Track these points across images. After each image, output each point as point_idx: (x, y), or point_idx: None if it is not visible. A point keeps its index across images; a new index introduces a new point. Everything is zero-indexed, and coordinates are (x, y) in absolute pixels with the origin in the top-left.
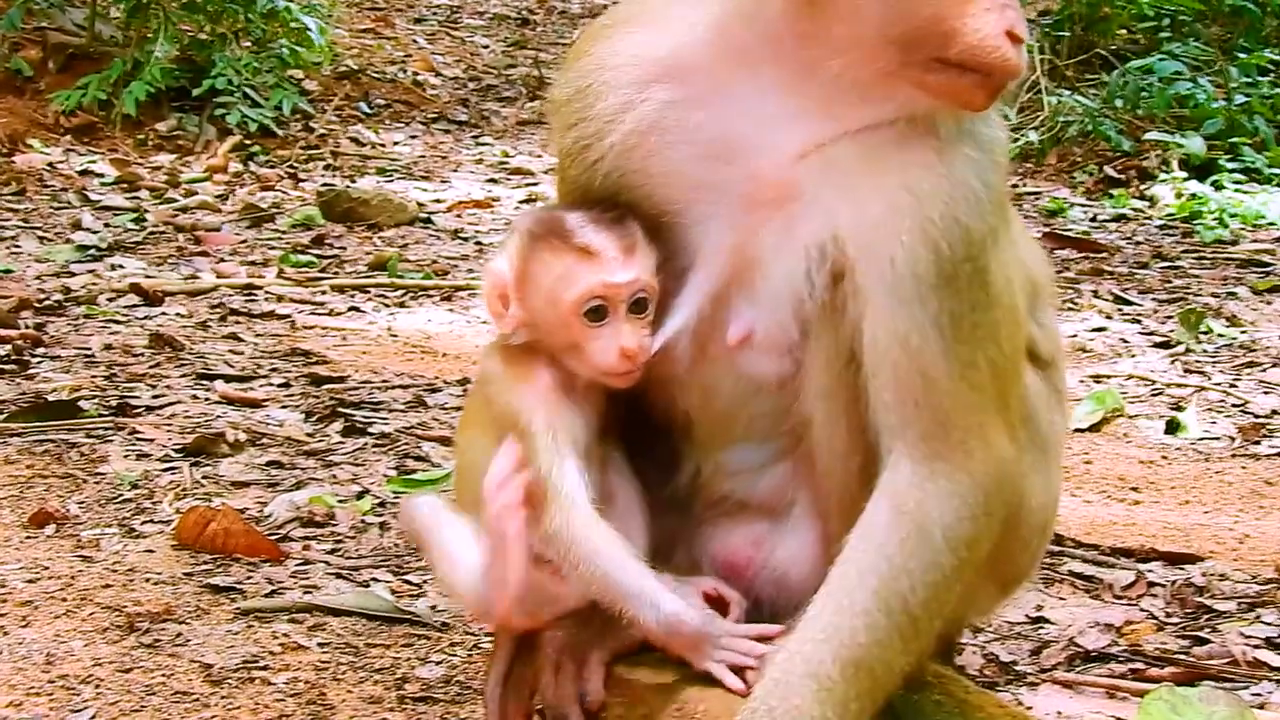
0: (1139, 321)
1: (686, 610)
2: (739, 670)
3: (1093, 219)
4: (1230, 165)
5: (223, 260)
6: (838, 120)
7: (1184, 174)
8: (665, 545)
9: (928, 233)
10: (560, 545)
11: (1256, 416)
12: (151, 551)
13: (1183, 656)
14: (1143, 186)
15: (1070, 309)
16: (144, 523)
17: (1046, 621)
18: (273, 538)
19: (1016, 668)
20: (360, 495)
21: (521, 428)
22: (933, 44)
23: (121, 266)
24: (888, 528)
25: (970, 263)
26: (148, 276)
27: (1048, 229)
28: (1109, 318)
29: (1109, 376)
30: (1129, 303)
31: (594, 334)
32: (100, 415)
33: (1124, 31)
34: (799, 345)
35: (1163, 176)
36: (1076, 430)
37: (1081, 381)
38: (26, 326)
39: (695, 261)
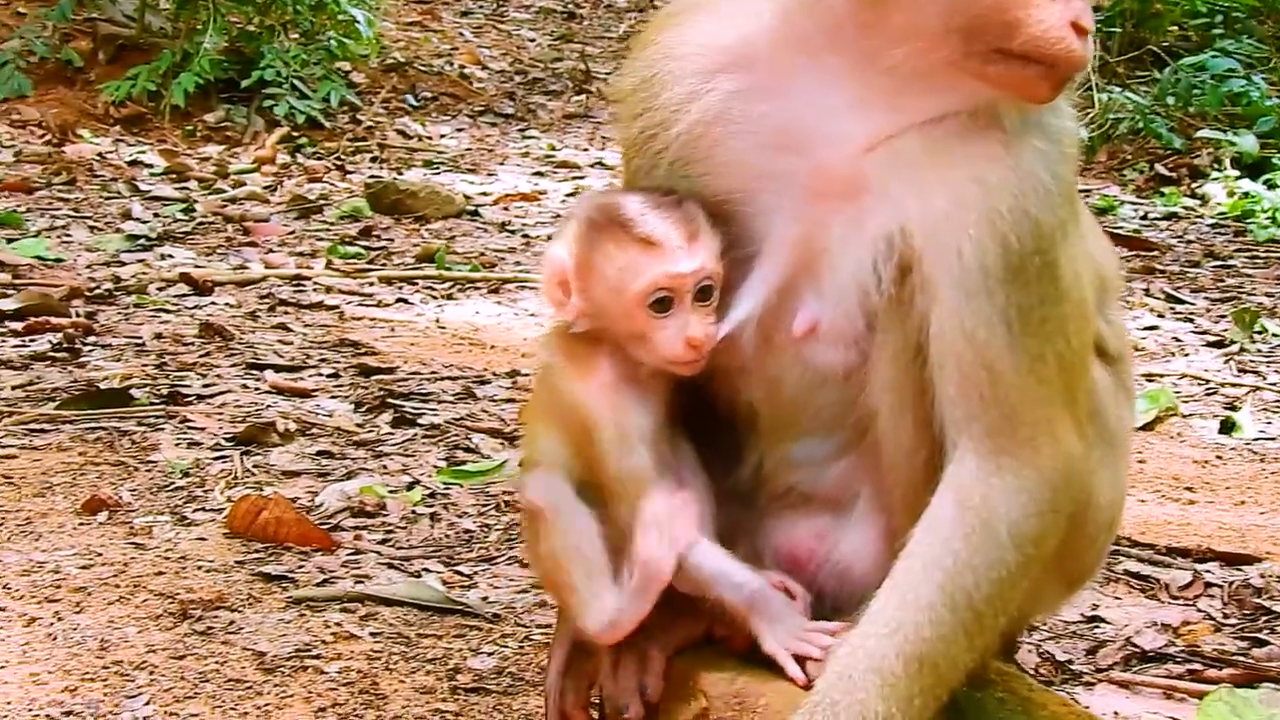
0: (1191, 320)
1: (769, 588)
2: (800, 661)
3: (1143, 217)
4: None
5: (271, 251)
6: (903, 111)
7: (1236, 172)
8: (727, 538)
9: (996, 225)
10: (640, 534)
11: None
12: (204, 539)
13: (1241, 658)
14: (1194, 185)
15: (1122, 307)
16: (196, 510)
17: (1102, 621)
18: (324, 527)
19: (1072, 667)
20: (410, 486)
21: (588, 423)
22: (995, 34)
23: (171, 256)
24: (953, 522)
25: (1039, 256)
26: (197, 266)
27: (1103, 232)
28: (1161, 316)
29: (1162, 375)
30: (1181, 301)
31: (659, 324)
32: (151, 403)
33: (1176, 28)
34: (865, 337)
35: (1214, 175)
36: None
37: (1134, 380)
38: (78, 315)
39: (760, 251)
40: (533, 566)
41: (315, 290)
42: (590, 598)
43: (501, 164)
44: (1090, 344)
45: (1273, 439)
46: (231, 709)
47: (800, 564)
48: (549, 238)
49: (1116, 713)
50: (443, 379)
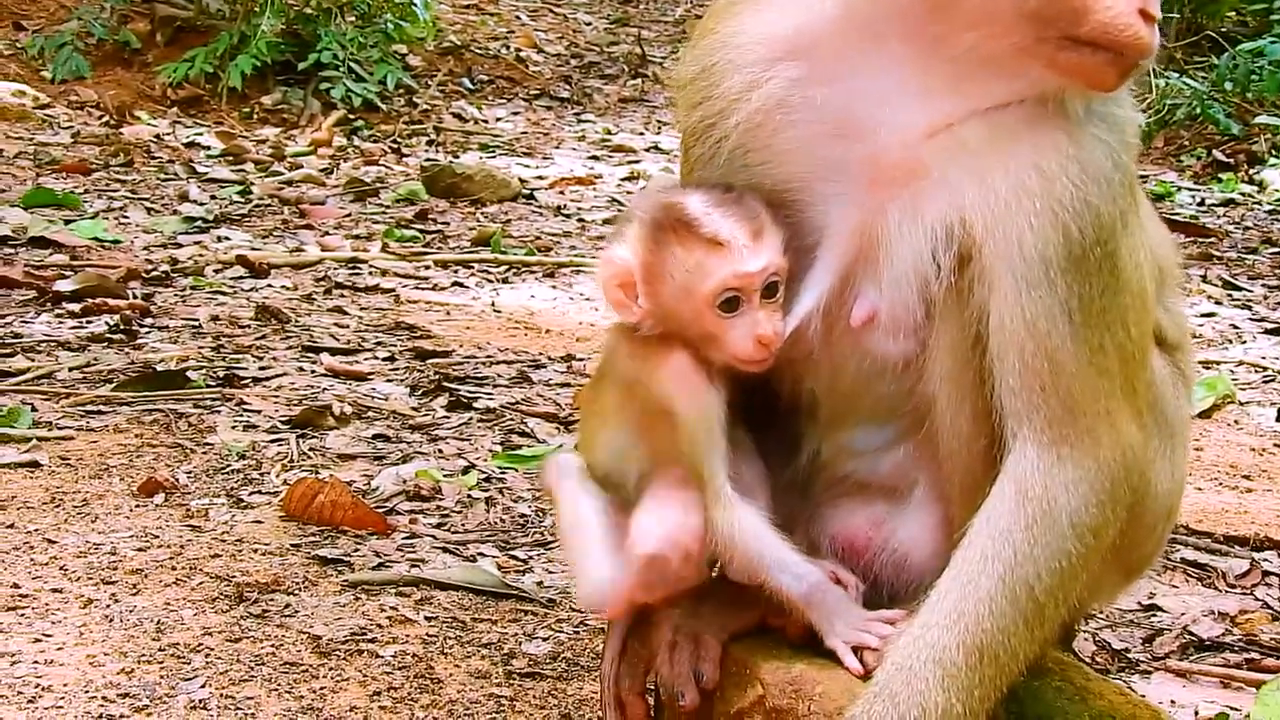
0: (1249, 307)
1: (828, 580)
2: (857, 651)
3: (1200, 203)
4: None
5: (327, 234)
6: (965, 98)
7: None
8: (784, 526)
9: (1058, 215)
10: (710, 527)
11: None
12: (260, 522)
13: None
14: (1252, 170)
15: (1180, 295)
16: (252, 493)
17: (1159, 609)
18: (379, 511)
19: (1129, 655)
20: (466, 470)
21: (671, 414)
22: (1064, 20)
23: (227, 238)
24: (1013, 513)
25: (1100, 246)
26: (253, 248)
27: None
28: (1218, 303)
29: (1219, 362)
30: (1238, 288)
31: (729, 324)
32: (208, 386)
33: (1234, 13)
34: (923, 326)
35: (1272, 161)
36: None
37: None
38: (135, 297)
39: (821, 241)
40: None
41: (371, 273)
42: (586, 569)
43: (557, 148)
44: (1150, 334)
45: None
46: (287, 692)
47: (857, 552)
48: (605, 222)
49: (1173, 701)
50: (498, 363)
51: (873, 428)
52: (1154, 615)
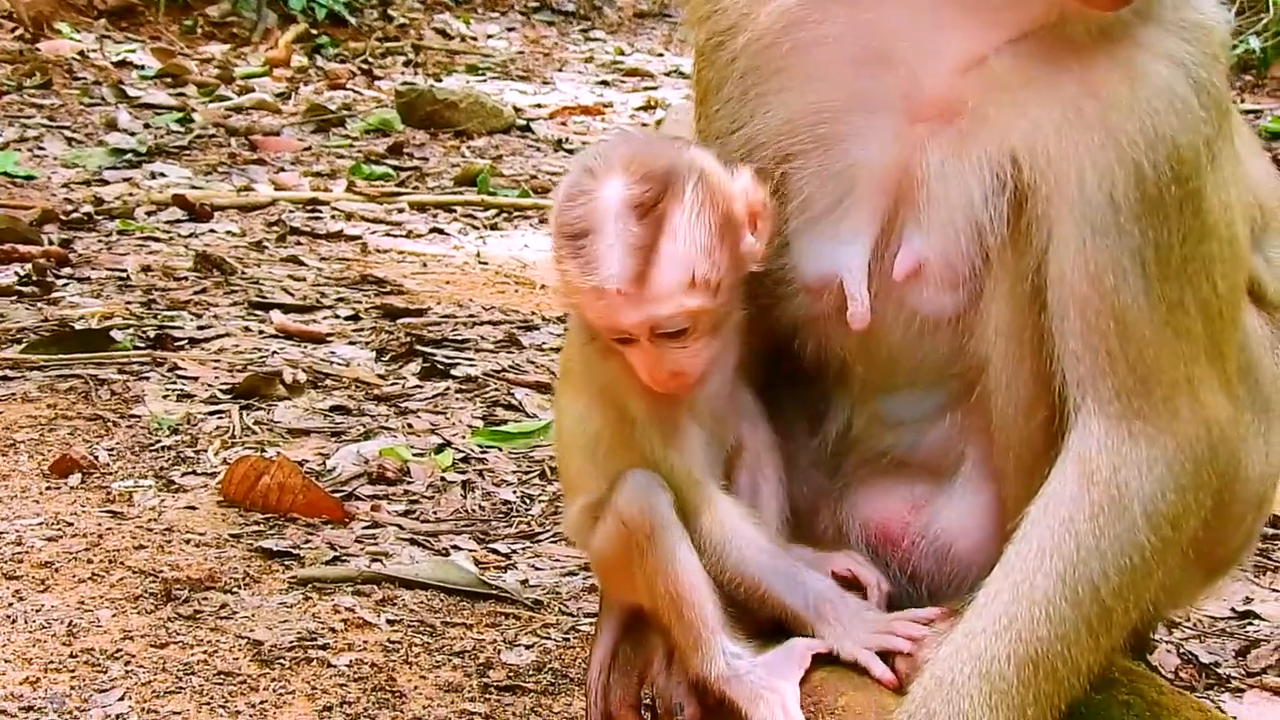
0: None
1: (835, 589)
2: (887, 658)
3: None
4: None
5: (282, 170)
6: (995, 26)
7: None
8: (807, 509)
9: (1124, 149)
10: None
11: None
12: (193, 508)
13: None
14: None
15: None
16: (185, 474)
17: (1256, 617)
18: (336, 495)
19: (1219, 670)
20: (440, 449)
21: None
22: None
23: (163, 175)
24: (1075, 500)
25: (1179, 184)
26: (194, 187)
27: (1268, 154)
28: None
29: None
30: None
31: (626, 349)
32: (135, 348)
33: None
34: (978, 278)
35: None
36: None
37: None
38: (50, 242)
39: (853, 184)
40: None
41: (333, 217)
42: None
43: (559, 70)
44: (1242, 288)
45: None
46: (221, 706)
47: (892, 540)
48: None
49: None
50: (482, 323)
51: (914, 395)
52: (1250, 624)
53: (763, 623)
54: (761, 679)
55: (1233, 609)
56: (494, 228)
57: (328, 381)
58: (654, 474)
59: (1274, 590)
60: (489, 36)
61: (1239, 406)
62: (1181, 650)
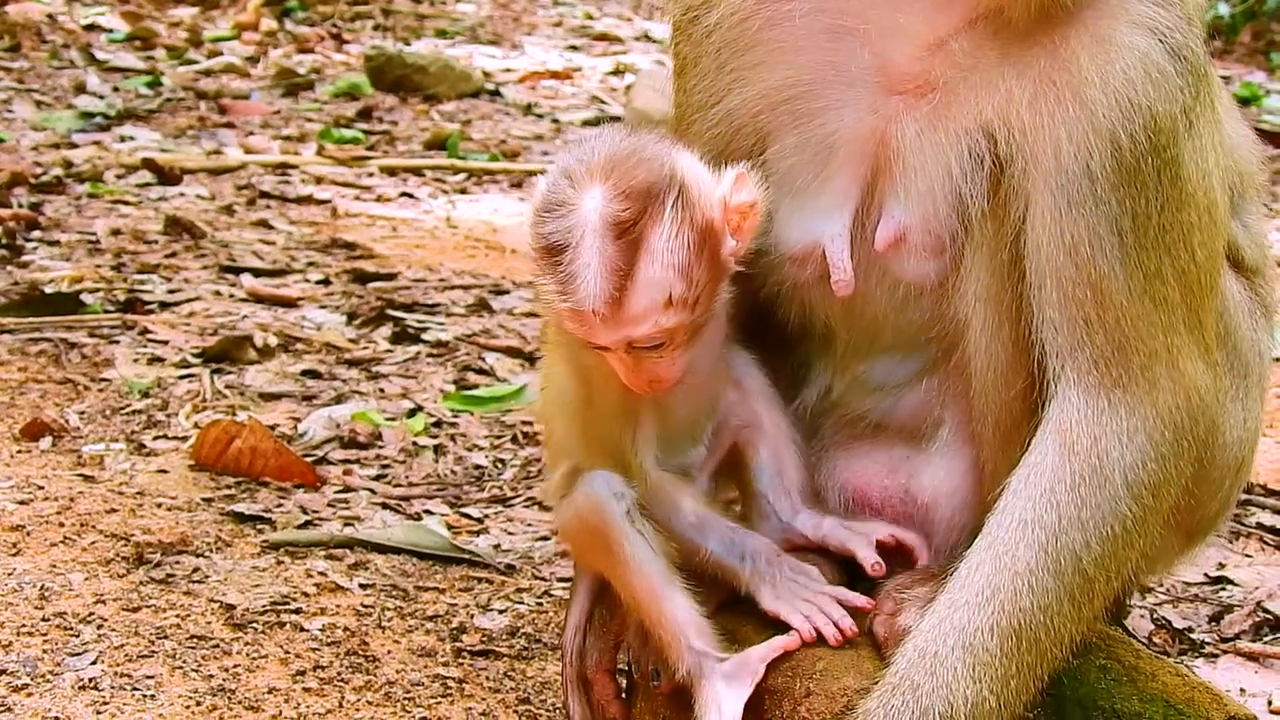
0: None
1: (772, 550)
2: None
3: None
4: None
5: (252, 134)
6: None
7: None
8: None
9: (1098, 120)
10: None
11: None
12: (164, 472)
13: None
14: None
15: (1264, 211)
16: (156, 438)
17: (1229, 583)
18: (307, 459)
19: (1192, 636)
20: (411, 413)
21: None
22: None
23: (132, 138)
24: (1056, 471)
25: (1156, 154)
26: (163, 150)
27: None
28: None
29: None
30: None
31: (603, 355)
32: (106, 311)
33: None
34: (958, 243)
35: None
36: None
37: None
38: (20, 206)
39: (833, 156)
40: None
41: (303, 181)
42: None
43: (528, 35)
44: (1221, 255)
45: None
46: (193, 670)
47: (869, 502)
48: (585, 124)
49: (1243, 689)
50: (453, 288)
51: (895, 360)
52: (1223, 589)
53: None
54: (715, 690)
55: (1206, 575)
56: (463, 192)
57: (299, 345)
58: (614, 476)
59: (1247, 556)
60: (458, 0)
61: (1218, 374)
62: (1155, 616)
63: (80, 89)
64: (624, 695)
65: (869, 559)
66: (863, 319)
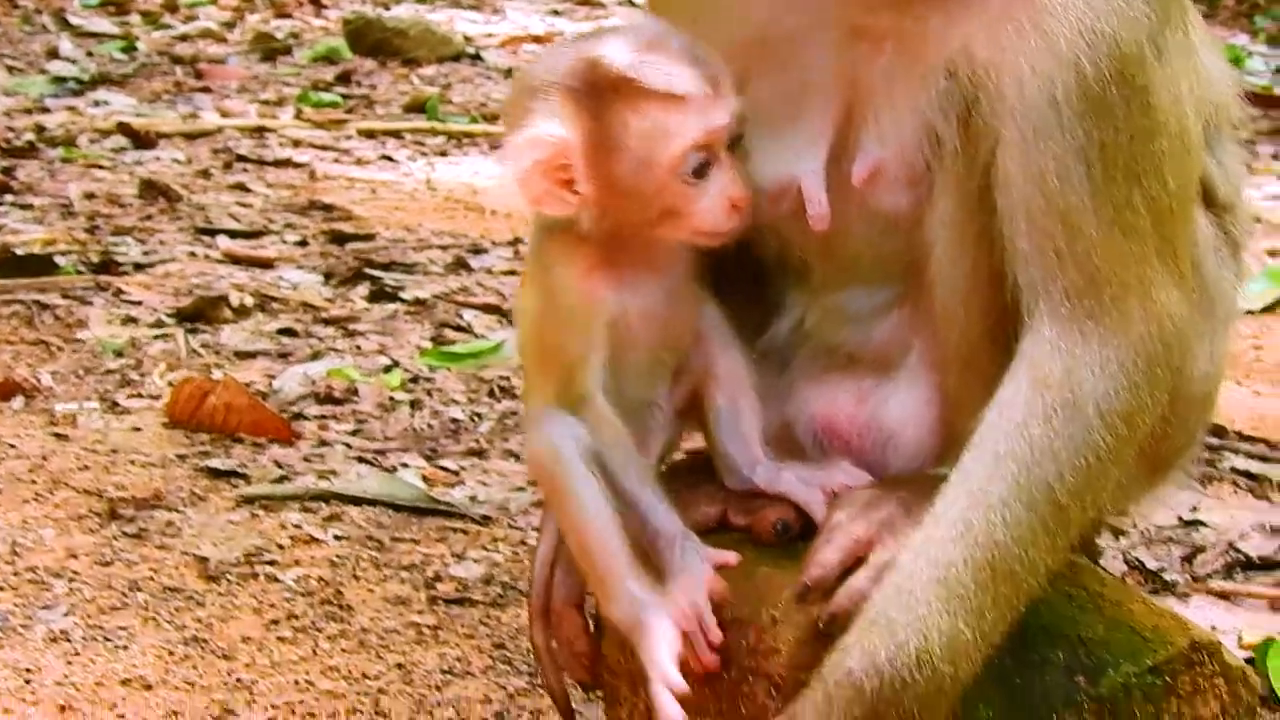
0: None
1: (680, 532)
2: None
3: (1276, 71)
4: None
5: (228, 98)
6: None
7: None
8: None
9: (1061, 51)
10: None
11: None
12: (138, 429)
13: None
14: None
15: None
16: (130, 396)
17: (1202, 524)
18: (283, 415)
19: (1165, 576)
20: (388, 369)
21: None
22: None
23: (107, 103)
24: (1029, 403)
25: (1123, 83)
26: (138, 115)
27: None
28: None
29: None
30: None
31: (697, 192)
32: (79, 273)
33: None
34: (934, 172)
35: None
36: (1246, 312)
37: (1255, 257)
38: None
39: (806, 92)
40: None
41: (281, 144)
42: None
43: None
44: (1194, 182)
45: None
46: (167, 622)
47: (839, 432)
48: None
49: (1214, 627)
50: (431, 247)
51: (869, 290)
52: (1196, 531)
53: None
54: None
55: (1180, 518)
56: (443, 155)
57: (275, 305)
58: (568, 416)
59: (1219, 499)
60: None
61: (1193, 303)
62: (1128, 557)
63: (53, 54)
64: (591, 631)
65: (821, 517)
66: (841, 252)
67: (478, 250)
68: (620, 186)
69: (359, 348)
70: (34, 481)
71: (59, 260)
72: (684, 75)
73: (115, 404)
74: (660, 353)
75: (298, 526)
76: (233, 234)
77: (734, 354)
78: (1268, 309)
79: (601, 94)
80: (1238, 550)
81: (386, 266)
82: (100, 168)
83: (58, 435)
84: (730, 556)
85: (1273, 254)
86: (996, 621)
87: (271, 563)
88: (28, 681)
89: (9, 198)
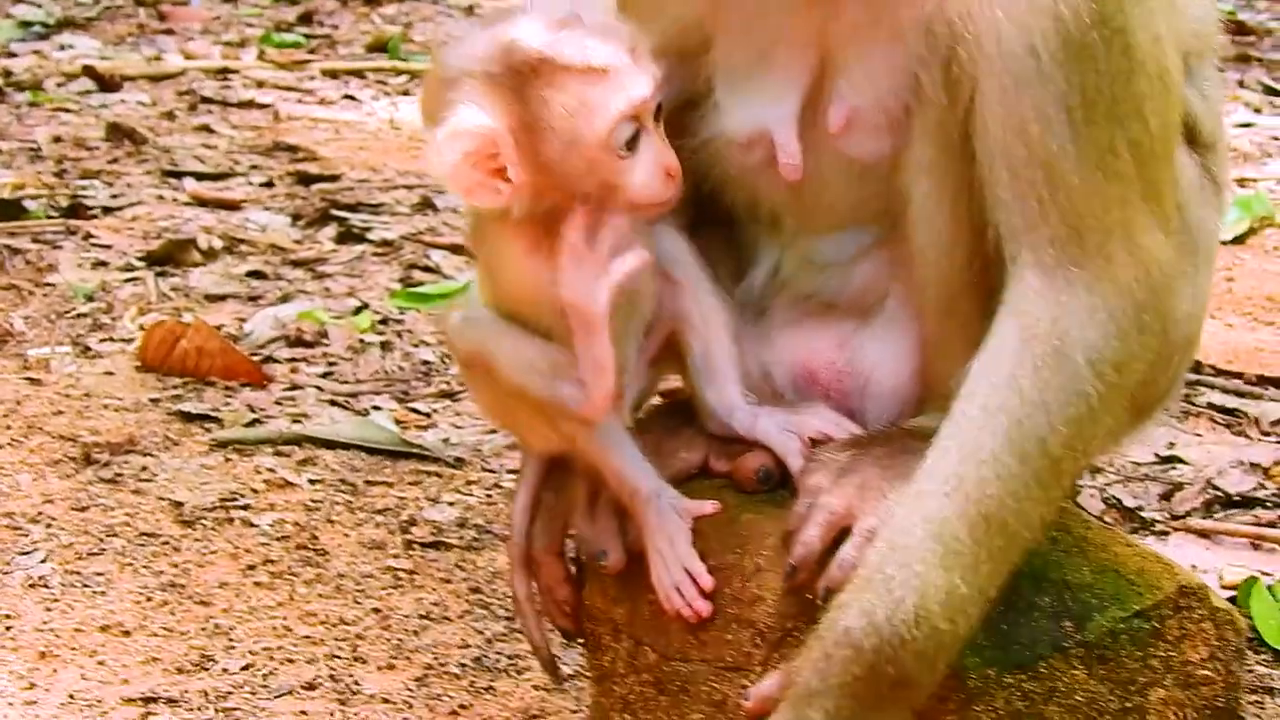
0: None
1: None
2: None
3: None
4: None
5: (191, 39)
6: None
7: None
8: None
9: None
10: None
11: None
12: (111, 374)
13: None
14: None
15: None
16: (101, 341)
17: (1179, 461)
18: (254, 358)
19: (1143, 514)
20: (358, 311)
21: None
22: None
23: (72, 46)
24: (1017, 355)
25: (1102, 25)
26: (103, 58)
27: None
28: (1258, 111)
29: (1256, 180)
30: None
31: (630, 165)
32: (49, 217)
33: None
34: (911, 116)
35: None
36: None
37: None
38: None
39: (775, 50)
40: (489, 415)
41: (244, 86)
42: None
43: None
44: (1176, 123)
45: None
46: (144, 567)
47: (817, 379)
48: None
49: (1194, 565)
50: (397, 188)
51: (845, 236)
52: (1173, 468)
53: None
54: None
55: (1156, 454)
56: (406, 94)
57: (243, 247)
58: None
59: (1196, 435)
60: None
61: (1178, 245)
62: (1106, 495)
63: None
64: (573, 577)
65: (797, 467)
66: (815, 200)
67: (443, 191)
68: (552, 167)
69: (328, 290)
70: (9, 427)
71: (28, 204)
72: (601, 49)
73: (87, 348)
74: (618, 322)
75: (271, 470)
76: (199, 176)
77: (710, 300)
78: (1238, 239)
79: (522, 77)
80: (1216, 487)
81: (353, 207)
82: (67, 111)
83: (31, 380)
84: (709, 506)
85: (1242, 183)
86: (992, 575)
87: (246, 507)
88: (7, 628)
89: None
